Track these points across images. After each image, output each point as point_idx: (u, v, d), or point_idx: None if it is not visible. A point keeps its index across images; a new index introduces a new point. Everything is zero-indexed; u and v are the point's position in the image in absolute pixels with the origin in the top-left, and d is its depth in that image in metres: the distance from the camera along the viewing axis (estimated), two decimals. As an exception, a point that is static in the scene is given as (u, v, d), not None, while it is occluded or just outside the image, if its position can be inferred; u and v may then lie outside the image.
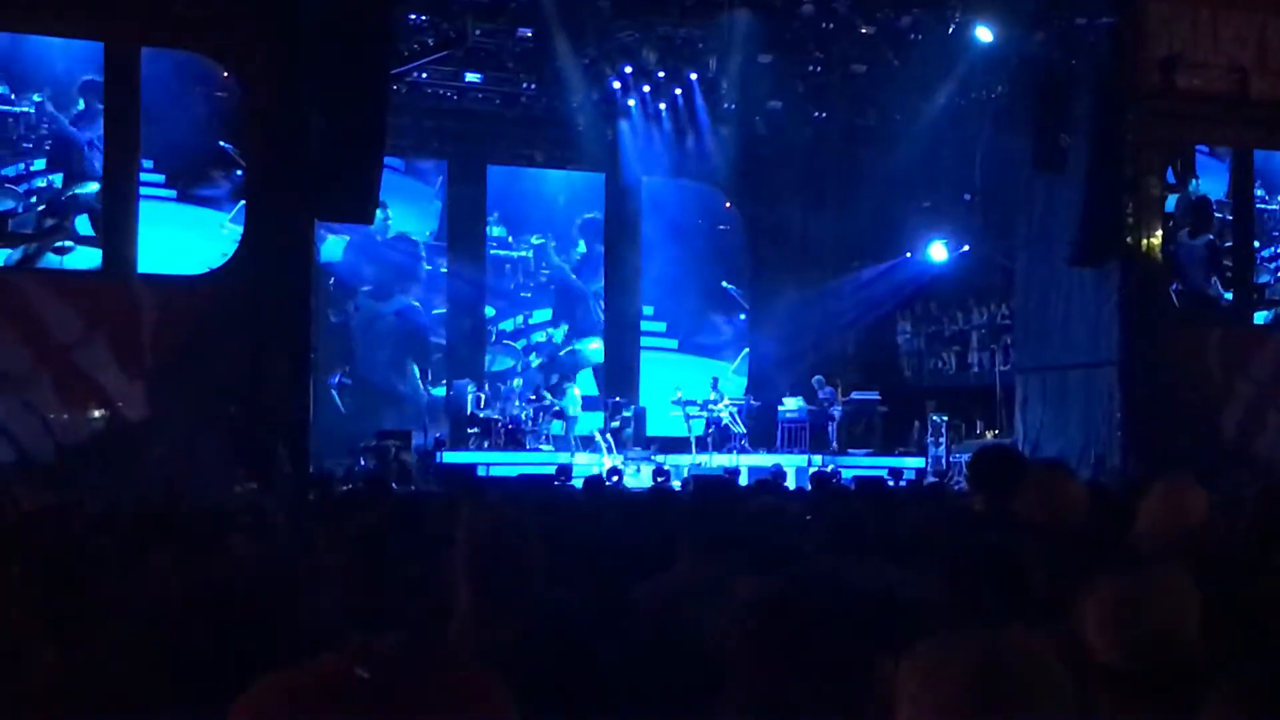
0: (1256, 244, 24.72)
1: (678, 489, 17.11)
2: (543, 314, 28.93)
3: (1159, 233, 23.73)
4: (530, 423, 25.37)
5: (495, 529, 5.28)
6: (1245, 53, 23.93)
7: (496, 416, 25.42)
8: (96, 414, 19.12)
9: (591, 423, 26.32)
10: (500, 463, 23.16)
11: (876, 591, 2.86)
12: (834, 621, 2.78)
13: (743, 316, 30.39)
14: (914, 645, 2.63)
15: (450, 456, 23.69)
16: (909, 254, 29.12)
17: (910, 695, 2.59)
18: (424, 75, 25.97)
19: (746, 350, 30.15)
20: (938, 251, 28.65)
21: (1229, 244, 24.49)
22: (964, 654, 2.59)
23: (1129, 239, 23.38)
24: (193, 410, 18.66)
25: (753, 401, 27.10)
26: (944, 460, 25.24)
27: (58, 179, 20.04)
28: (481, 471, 22.38)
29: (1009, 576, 4.07)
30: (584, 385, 27.78)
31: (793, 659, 2.83)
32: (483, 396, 25.89)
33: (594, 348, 29.18)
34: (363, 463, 22.55)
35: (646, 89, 26.78)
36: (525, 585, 5.06)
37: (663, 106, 27.40)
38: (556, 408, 25.61)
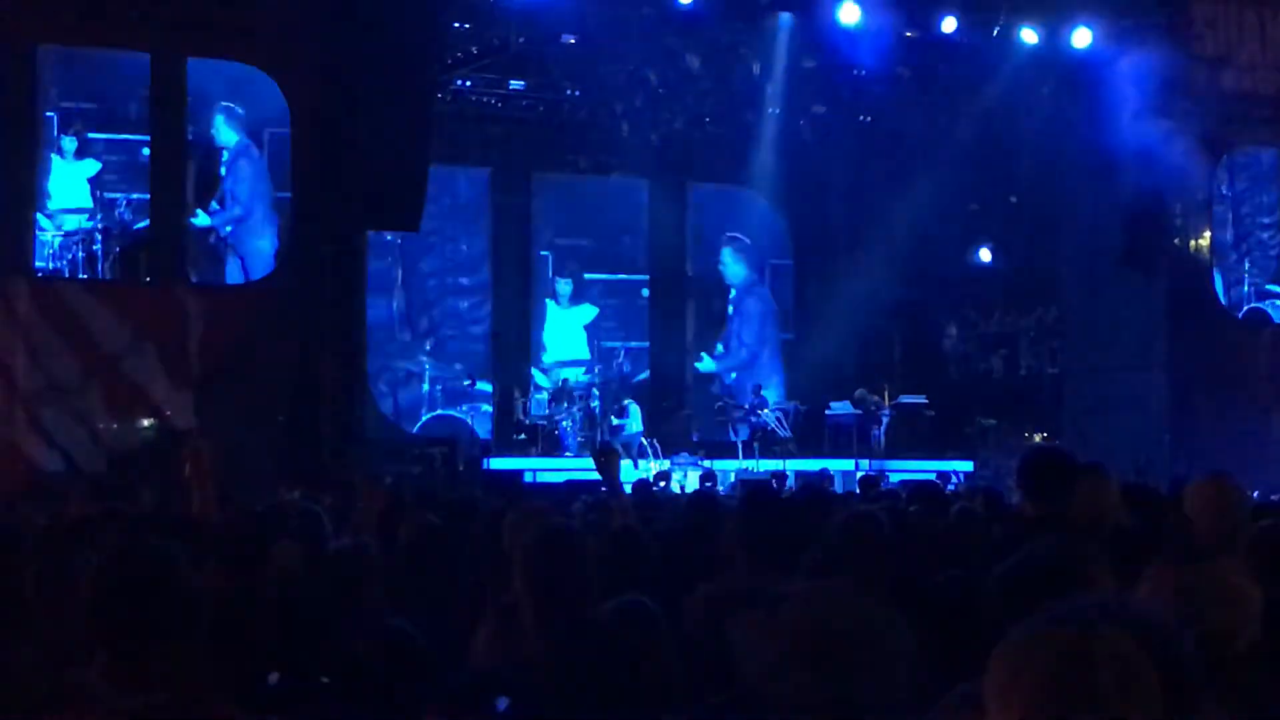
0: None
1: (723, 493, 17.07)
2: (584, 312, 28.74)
3: (1206, 234, 23.62)
4: (576, 429, 25.28)
5: (550, 539, 5.30)
6: (1292, 53, 23.81)
7: (542, 422, 25.37)
8: (145, 423, 19.23)
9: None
10: (545, 469, 23.12)
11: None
12: None
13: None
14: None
15: (496, 463, 23.67)
16: (954, 256, 28.98)
17: (994, 691, 2.57)
18: (468, 83, 26.01)
19: (792, 354, 30.05)
20: (984, 254, 28.54)
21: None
22: (1048, 649, 2.57)
23: (1176, 241, 23.27)
24: (240, 418, 18.75)
25: (799, 406, 27.01)
26: (992, 463, 25.11)
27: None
28: (528, 478, 22.36)
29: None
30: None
31: None
32: (528, 402, 25.87)
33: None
34: (410, 469, 22.54)
35: (690, 93, 26.78)
36: (581, 594, 5.06)
37: (706, 113, 27.47)
38: (617, 425, 25.55)
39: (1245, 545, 5.37)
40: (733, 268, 29.61)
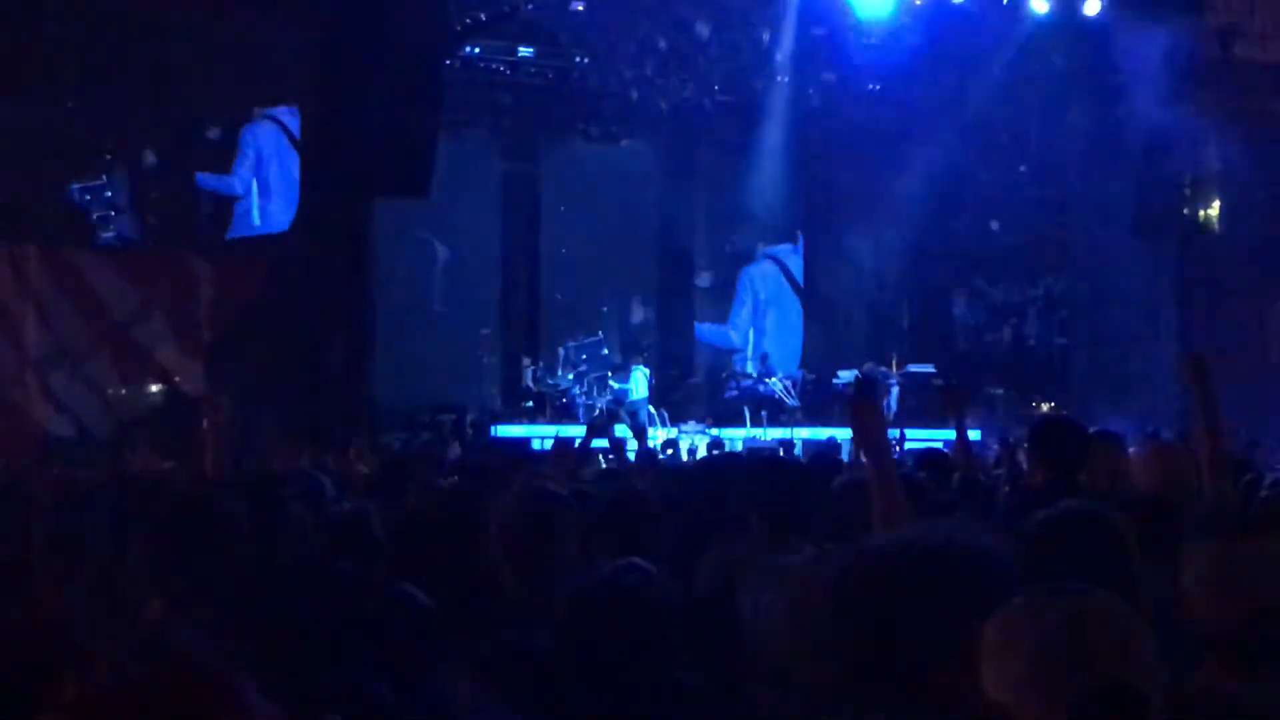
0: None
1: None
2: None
3: (1216, 204, 23.56)
4: (584, 396, 25.31)
5: (523, 505, 5.27)
6: (1303, 23, 23.75)
7: (549, 390, 25.40)
8: (154, 389, 19.27)
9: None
10: (554, 436, 23.08)
11: (965, 552, 2.77)
12: (922, 589, 2.71)
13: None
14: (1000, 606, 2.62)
15: (503, 430, 23.69)
16: (963, 226, 28.93)
17: (993, 655, 2.58)
18: (476, 50, 25.95)
19: (801, 322, 30.05)
20: (993, 223, 28.51)
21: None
22: (1046, 614, 2.58)
23: (1186, 210, 23.23)
24: (250, 384, 18.75)
25: (807, 375, 27.02)
26: (1001, 432, 25.13)
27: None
28: (536, 445, 22.37)
29: (1102, 542, 4.05)
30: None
31: (875, 634, 2.75)
32: (536, 370, 25.89)
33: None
34: (418, 436, 22.57)
35: (699, 61, 26.72)
36: (560, 559, 5.05)
37: (715, 80, 27.41)
38: (619, 389, 25.51)
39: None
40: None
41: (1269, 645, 3.43)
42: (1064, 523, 4.20)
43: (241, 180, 21.64)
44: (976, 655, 2.55)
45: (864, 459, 4.95)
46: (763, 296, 29.94)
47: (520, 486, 5.64)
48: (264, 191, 21.55)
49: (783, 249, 29.88)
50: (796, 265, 29.97)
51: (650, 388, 25.77)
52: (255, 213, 21.51)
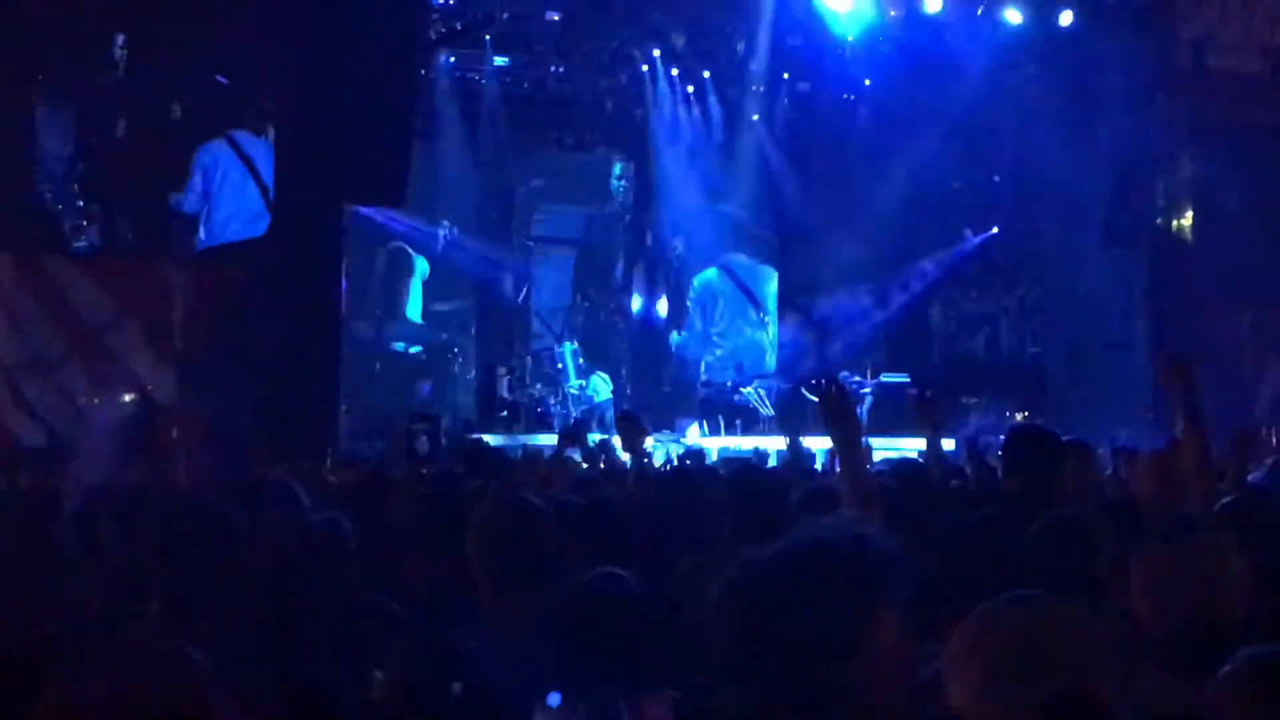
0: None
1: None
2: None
3: (1189, 213, 23.65)
4: (559, 405, 25.28)
5: (499, 514, 5.26)
6: (1277, 34, 23.80)
7: (525, 399, 25.36)
8: (127, 398, 19.16)
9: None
10: (523, 445, 23.05)
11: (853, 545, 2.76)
12: (808, 586, 2.70)
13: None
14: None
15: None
16: (936, 237, 28.95)
17: (954, 664, 2.61)
18: (451, 59, 25.91)
19: (775, 332, 30.01)
20: (967, 231, 28.56)
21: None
22: (1004, 623, 2.60)
23: (1159, 220, 23.33)
24: (224, 393, 18.68)
25: (781, 383, 27.00)
26: (975, 442, 25.14)
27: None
28: (510, 454, 22.32)
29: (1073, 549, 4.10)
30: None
31: (763, 632, 2.74)
32: (511, 379, 25.84)
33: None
34: (391, 444, 22.48)
35: (675, 72, 26.74)
36: (536, 568, 5.04)
37: (690, 89, 27.38)
38: (579, 395, 25.45)
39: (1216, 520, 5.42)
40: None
41: (1206, 649, 3.47)
42: (969, 533, 4.26)
43: (189, 200, 21.43)
44: (868, 651, 2.56)
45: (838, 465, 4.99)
46: (710, 303, 29.82)
47: (495, 496, 5.63)
48: (211, 209, 21.34)
49: (737, 259, 29.73)
50: (751, 274, 29.82)
51: (613, 393, 25.77)
52: (201, 228, 21.35)
